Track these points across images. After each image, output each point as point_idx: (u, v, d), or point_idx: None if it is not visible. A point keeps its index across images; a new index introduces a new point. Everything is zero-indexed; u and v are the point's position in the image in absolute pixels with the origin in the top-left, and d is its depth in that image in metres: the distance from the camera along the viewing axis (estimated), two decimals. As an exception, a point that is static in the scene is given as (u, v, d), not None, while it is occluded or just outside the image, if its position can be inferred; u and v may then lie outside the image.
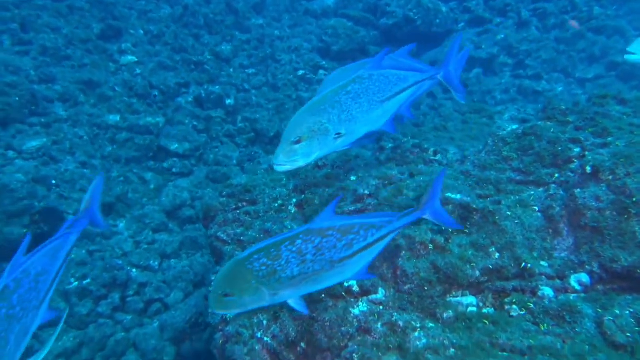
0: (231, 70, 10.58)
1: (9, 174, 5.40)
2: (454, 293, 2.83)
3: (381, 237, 2.43)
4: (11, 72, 7.99)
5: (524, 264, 2.87)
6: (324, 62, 11.39)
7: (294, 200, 3.75)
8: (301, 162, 2.88)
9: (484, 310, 2.77)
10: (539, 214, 3.20)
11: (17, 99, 6.92)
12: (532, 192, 3.44)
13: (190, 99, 8.67)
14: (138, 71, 9.21)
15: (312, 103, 2.98)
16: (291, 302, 2.49)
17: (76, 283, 4.87)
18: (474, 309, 2.74)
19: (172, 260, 5.57)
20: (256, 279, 2.32)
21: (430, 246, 2.97)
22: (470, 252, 2.95)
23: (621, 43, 10.86)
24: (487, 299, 2.82)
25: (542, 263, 2.95)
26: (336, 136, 2.95)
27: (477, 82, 10.40)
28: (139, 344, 4.51)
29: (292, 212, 3.66)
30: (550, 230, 3.10)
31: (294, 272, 2.34)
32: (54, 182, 6.07)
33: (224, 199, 3.96)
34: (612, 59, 10.63)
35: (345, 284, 2.87)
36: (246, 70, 10.65)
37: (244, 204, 3.87)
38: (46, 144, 6.57)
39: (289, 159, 2.82)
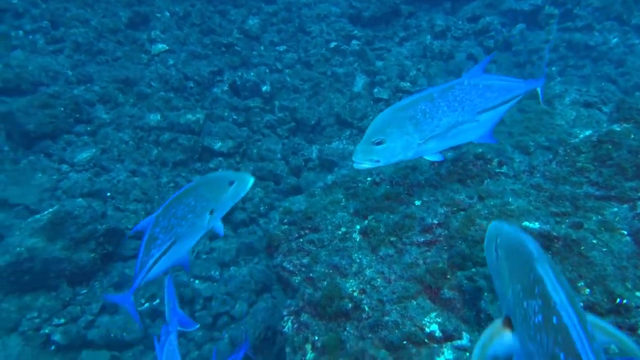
0: (262, 48, 10.30)
1: (70, 200, 5.51)
2: (541, 335, 2.74)
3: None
4: (51, 78, 8.05)
5: (618, 299, 2.73)
6: (355, 31, 10.92)
7: (358, 227, 3.67)
8: (382, 163, 2.84)
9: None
10: (628, 237, 3.02)
11: (62, 109, 6.96)
12: (616, 210, 3.25)
13: (225, 88, 8.54)
14: (171, 62, 9.09)
15: (402, 105, 2.85)
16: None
17: (147, 304, 5.04)
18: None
19: (232, 268, 5.66)
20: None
21: (513, 285, 2.85)
22: (555, 288, 2.83)
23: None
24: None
25: (638, 294, 2.80)
26: (420, 142, 2.85)
27: (522, 39, 9.80)
28: (212, 361, 4.69)
29: (357, 240, 3.59)
30: (642, 258, 2.94)
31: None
32: (108, 194, 6.17)
33: (286, 226, 3.92)
34: (671, 0, 9.79)
35: (427, 329, 2.82)
36: (277, 48, 10.34)
37: (307, 231, 3.82)
38: (95, 154, 6.65)
39: (367, 159, 2.76)
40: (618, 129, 3.59)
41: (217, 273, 5.54)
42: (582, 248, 2.95)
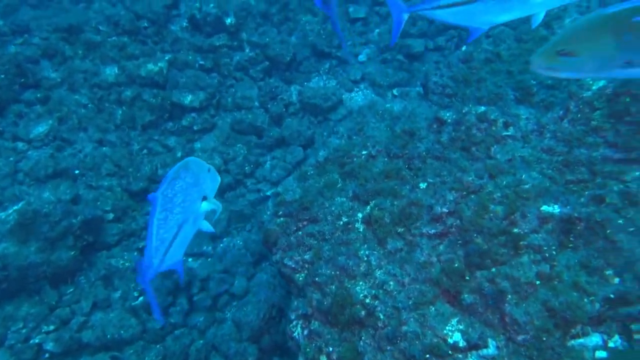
0: (216, -35, 9.14)
1: (36, 197, 5.02)
2: (572, 332, 2.61)
3: None
4: (-20, 34, 7.06)
5: (650, 287, 2.58)
6: None
7: (360, 215, 3.38)
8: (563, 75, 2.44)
9: (611, 344, 2.56)
10: (654, 213, 2.81)
11: (3, 76, 6.17)
12: (638, 174, 2.99)
13: (184, 24, 7.64)
14: (116, -3, 8.02)
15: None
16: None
17: (141, 297, 4.83)
18: (603, 353, 2.53)
19: (224, 239, 5.42)
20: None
21: (537, 282, 2.68)
22: (583, 278, 2.66)
23: None
24: (612, 329, 2.60)
25: (666, 276, 2.65)
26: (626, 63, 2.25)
27: None
28: (218, 346, 4.61)
29: (361, 230, 3.32)
30: (670, 234, 2.75)
31: None
32: (77, 171, 5.68)
33: (282, 219, 3.61)
34: None
35: (450, 340, 2.68)
36: (233, -37, 9.18)
37: (305, 223, 3.52)
38: (53, 126, 6.02)
39: (550, 67, 2.34)
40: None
41: (209, 248, 5.30)
42: (609, 232, 2.74)
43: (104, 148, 5.96)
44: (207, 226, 3.13)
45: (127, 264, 5.06)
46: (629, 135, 3.10)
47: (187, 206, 2.87)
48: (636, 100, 3.16)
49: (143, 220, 5.49)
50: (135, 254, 5.18)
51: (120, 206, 5.45)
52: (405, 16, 3.06)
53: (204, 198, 3.04)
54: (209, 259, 5.26)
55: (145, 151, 6.03)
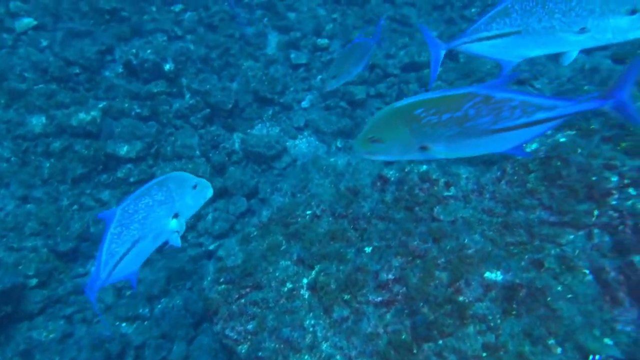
0: (154, 9, 8.97)
1: None
2: (518, 404, 2.60)
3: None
4: None
5: (591, 356, 2.62)
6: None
7: (305, 280, 3.27)
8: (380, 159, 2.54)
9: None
10: (590, 276, 2.88)
11: None
12: (572, 237, 3.09)
13: (120, 70, 7.38)
14: (44, 43, 7.64)
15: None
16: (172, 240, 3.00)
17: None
18: None
19: (163, 299, 5.09)
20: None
21: (484, 354, 2.65)
22: (527, 347, 2.67)
23: None
24: (554, 399, 2.61)
25: (607, 341, 2.70)
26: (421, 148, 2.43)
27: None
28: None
29: (307, 297, 3.21)
30: (608, 298, 2.82)
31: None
32: (-4, 232, 5.21)
33: (223, 286, 3.42)
34: None
35: (400, 419, 2.57)
36: (172, 7, 9.06)
37: (248, 290, 3.36)
38: (-30, 182, 5.53)
39: (367, 151, 2.46)
40: (563, 139, 3.37)
41: (146, 310, 4.96)
42: (549, 299, 2.78)
43: (29, 205, 5.51)
44: (175, 240, 3.09)
45: (51, 335, 4.61)
46: (562, 199, 3.21)
47: (148, 224, 2.84)
48: (566, 165, 3.29)
49: (72, 283, 5.07)
50: (62, 322, 4.74)
51: (45, 269, 5.01)
52: (443, 53, 3.05)
53: (176, 215, 3.00)
54: (145, 322, 4.91)
55: (75, 207, 5.64)
